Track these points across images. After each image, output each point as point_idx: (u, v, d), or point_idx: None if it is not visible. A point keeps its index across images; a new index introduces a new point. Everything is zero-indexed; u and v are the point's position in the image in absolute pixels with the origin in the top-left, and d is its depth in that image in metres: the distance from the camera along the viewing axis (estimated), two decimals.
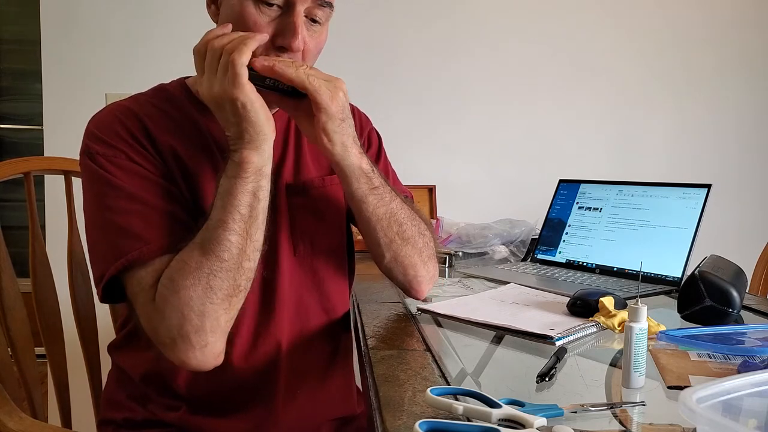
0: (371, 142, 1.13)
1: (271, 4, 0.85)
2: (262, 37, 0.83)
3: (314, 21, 0.89)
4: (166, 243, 0.82)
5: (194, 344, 0.79)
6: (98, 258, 0.86)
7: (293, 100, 0.87)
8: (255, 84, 0.82)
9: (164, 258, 0.82)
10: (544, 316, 0.99)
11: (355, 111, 1.13)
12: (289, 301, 0.97)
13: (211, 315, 0.79)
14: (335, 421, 1.04)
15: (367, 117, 1.16)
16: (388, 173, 1.14)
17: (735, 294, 0.97)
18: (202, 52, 0.82)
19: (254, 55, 0.83)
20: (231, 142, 0.82)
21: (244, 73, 0.79)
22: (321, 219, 1.01)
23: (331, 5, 0.89)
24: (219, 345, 0.82)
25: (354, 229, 1.07)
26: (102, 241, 0.85)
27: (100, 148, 0.87)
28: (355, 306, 1.09)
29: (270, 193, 0.84)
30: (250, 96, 0.79)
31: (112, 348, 1.02)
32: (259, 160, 0.82)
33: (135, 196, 0.84)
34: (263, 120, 0.81)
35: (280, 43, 0.86)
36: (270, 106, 0.85)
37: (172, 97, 0.95)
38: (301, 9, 0.86)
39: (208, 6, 0.94)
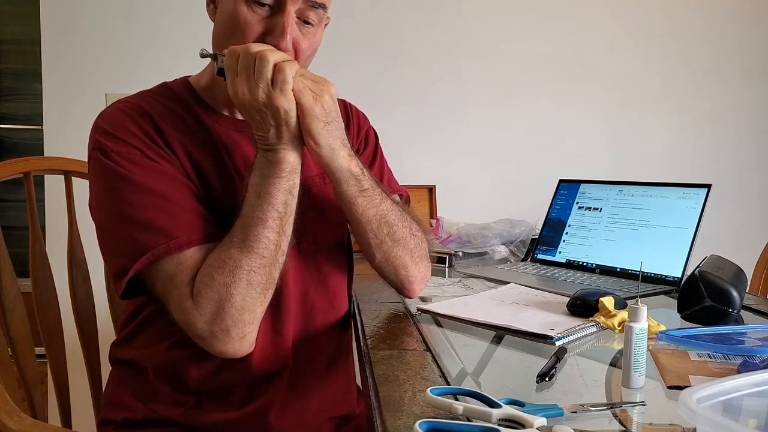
0: (368, 142, 1.13)
1: (263, 4, 0.87)
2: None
3: (307, 22, 0.90)
4: (195, 237, 0.84)
5: (233, 336, 0.82)
6: (117, 254, 0.86)
7: None
8: None
9: (193, 253, 0.83)
10: (544, 316, 0.99)
11: (352, 110, 1.13)
12: (295, 298, 0.98)
13: (249, 308, 0.82)
14: (335, 419, 1.05)
15: (365, 116, 1.16)
16: (383, 172, 1.14)
17: (735, 294, 0.97)
18: (236, 54, 0.83)
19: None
20: (265, 142, 0.85)
21: (291, 82, 0.82)
22: (323, 216, 1.01)
23: (323, 6, 0.90)
24: (254, 334, 0.86)
25: None
26: (121, 236, 0.85)
27: (113, 144, 0.87)
28: (355, 306, 1.09)
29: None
30: (293, 103, 0.83)
31: (115, 346, 1.02)
32: (295, 160, 0.86)
33: (154, 191, 0.85)
34: (298, 123, 0.84)
35: (269, 42, 0.87)
36: None
37: (177, 96, 0.96)
38: (291, 9, 0.87)
39: (207, 5, 0.95)
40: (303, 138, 0.86)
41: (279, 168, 0.84)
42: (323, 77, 0.87)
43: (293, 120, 0.83)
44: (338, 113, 0.89)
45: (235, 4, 0.87)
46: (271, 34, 0.87)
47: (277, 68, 0.81)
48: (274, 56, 0.82)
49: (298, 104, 0.84)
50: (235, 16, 0.87)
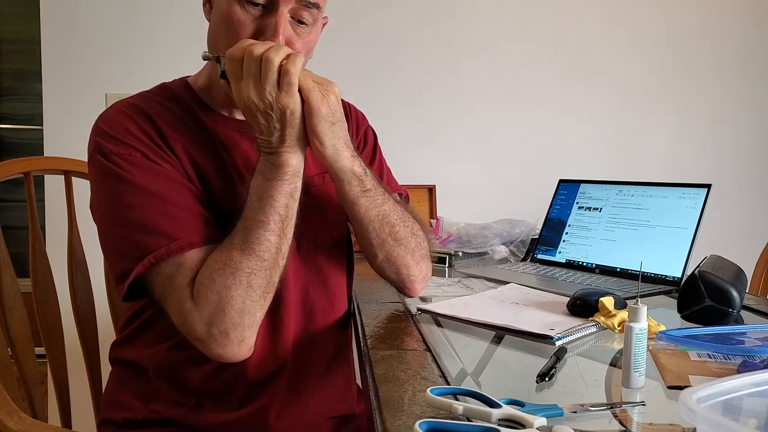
0: (367, 140, 1.14)
1: (256, 4, 0.87)
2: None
3: (301, 22, 0.90)
4: (195, 239, 0.84)
5: (232, 339, 0.82)
6: (119, 256, 0.86)
7: None
8: None
9: (194, 254, 0.83)
10: (544, 316, 0.99)
11: (351, 109, 1.13)
12: (295, 298, 0.98)
13: (249, 311, 0.82)
14: (335, 419, 1.05)
15: (363, 115, 1.16)
16: (382, 171, 1.15)
17: (735, 294, 0.97)
18: (239, 58, 0.82)
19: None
20: (268, 146, 0.84)
21: (297, 83, 0.81)
22: (322, 216, 1.02)
23: (317, 6, 0.90)
24: (253, 338, 0.85)
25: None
26: (122, 238, 0.85)
27: (113, 146, 0.87)
28: (355, 306, 1.09)
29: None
30: (299, 104, 0.82)
31: (116, 346, 1.02)
32: (298, 163, 0.85)
33: (154, 193, 0.85)
34: (303, 125, 0.84)
35: None
36: None
37: (176, 97, 0.96)
38: (284, 9, 0.87)
39: (204, 5, 0.95)
40: (307, 139, 0.86)
41: (281, 171, 0.84)
42: (327, 78, 0.87)
43: (298, 121, 0.83)
44: (342, 114, 0.89)
45: (228, 4, 0.87)
46: (263, 35, 0.87)
47: (283, 70, 0.81)
48: (278, 56, 0.81)
49: (307, 103, 0.84)
50: (228, 16, 0.87)
